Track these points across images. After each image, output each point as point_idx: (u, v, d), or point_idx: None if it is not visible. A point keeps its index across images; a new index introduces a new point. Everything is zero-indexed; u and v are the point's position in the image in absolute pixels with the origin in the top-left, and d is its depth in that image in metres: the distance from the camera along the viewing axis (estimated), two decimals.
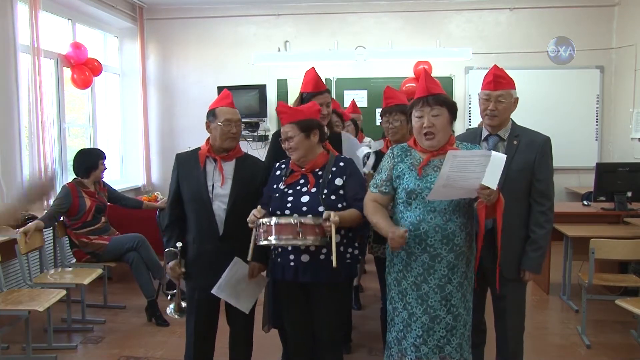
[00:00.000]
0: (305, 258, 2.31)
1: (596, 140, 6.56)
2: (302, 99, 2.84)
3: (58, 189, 4.38)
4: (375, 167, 2.80)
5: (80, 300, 4.03)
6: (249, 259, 2.31)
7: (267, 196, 2.46)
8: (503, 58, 6.28)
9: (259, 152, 6.51)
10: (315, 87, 2.82)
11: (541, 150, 2.47)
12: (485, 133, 2.57)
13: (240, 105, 6.34)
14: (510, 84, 2.49)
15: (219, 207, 2.49)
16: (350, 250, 2.40)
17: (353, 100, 4.95)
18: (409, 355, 2.20)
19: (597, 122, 6.54)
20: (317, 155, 2.41)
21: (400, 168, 2.23)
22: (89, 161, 4.20)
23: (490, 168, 1.96)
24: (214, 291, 2.47)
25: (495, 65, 2.53)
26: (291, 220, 2.15)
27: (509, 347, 2.59)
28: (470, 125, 6.54)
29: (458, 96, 6.61)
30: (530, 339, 3.43)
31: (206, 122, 2.57)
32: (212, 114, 2.54)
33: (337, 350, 2.50)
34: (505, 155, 2.05)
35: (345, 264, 2.37)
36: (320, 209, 2.26)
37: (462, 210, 2.16)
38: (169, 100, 6.93)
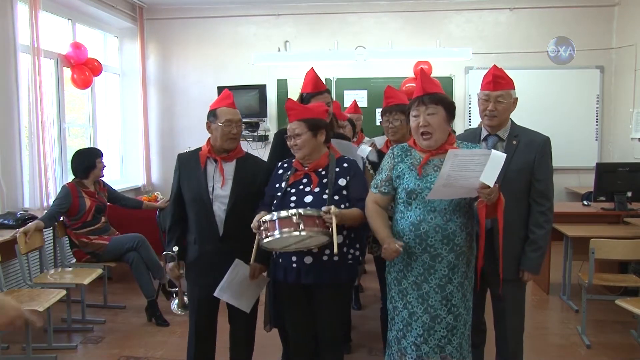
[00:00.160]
0: (308, 260, 2.30)
1: (596, 140, 6.56)
2: (302, 99, 2.85)
3: (58, 189, 4.38)
4: (375, 166, 2.80)
5: (80, 300, 4.03)
6: (251, 262, 2.31)
7: (269, 196, 2.45)
8: (503, 58, 6.28)
9: (259, 152, 6.50)
10: (314, 88, 2.83)
11: (541, 150, 2.47)
12: (484, 133, 2.57)
13: (240, 105, 6.33)
14: (509, 84, 2.49)
15: (219, 208, 2.48)
16: (352, 251, 2.40)
17: (354, 100, 4.95)
18: (410, 354, 2.20)
19: (597, 122, 6.54)
20: (321, 155, 2.41)
21: (400, 168, 2.23)
22: (87, 161, 4.19)
23: (489, 165, 1.96)
24: (216, 294, 2.48)
25: (494, 65, 2.53)
26: (289, 212, 2.13)
27: (508, 347, 2.59)
28: (470, 125, 6.54)
29: (458, 96, 6.61)
30: (530, 339, 3.43)
31: (207, 123, 2.56)
32: (212, 115, 2.53)
33: (337, 350, 2.50)
34: (505, 154, 2.04)
35: (347, 264, 2.37)
36: (324, 209, 2.26)
37: (462, 210, 2.16)
38: (169, 100, 6.93)
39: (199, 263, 2.54)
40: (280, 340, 2.99)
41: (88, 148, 4.43)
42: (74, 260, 4.21)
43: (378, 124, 6.40)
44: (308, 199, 2.32)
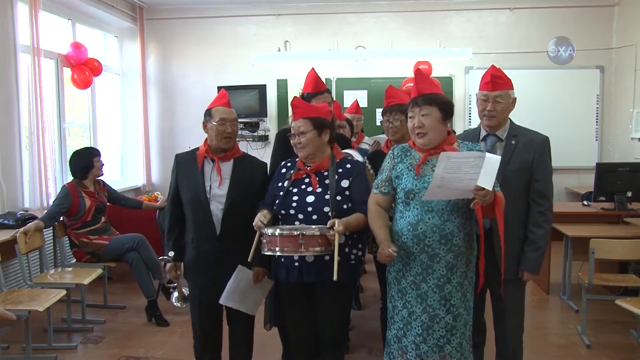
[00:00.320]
0: (309, 258, 2.30)
1: (596, 140, 6.56)
2: (303, 99, 2.85)
3: (58, 189, 4.38)
4: (374, 167, 2.80)
5: (80, 300, 4.03)
6: (249, 260, 2.31)
7: (271, 196, 2.45)
8: (503, 58, 6.28)
9: (259, 152, 6.52)
10: (315, 87, 2.84)
11: (539, 150, 2.47)
12: (483, 133, 2.57)
13: (240, 105, 6.45)
14: (508, 84, 2.49)
15: (217, 207, 2.48)
16: (354, 251, 2.39)
17: (356, 100, 4.94)
18: (410, 353, 2.21)
19: (597, 122, 6.54)
20: (324, 156, 2.40)
21: (399, 168, 2.24)
22: (84, 161, 4.19)
23: (485, 169, 1.96)
24: (221, 301, 2.49)
25: (492, 65, 2.53)
26: (293, 231, 2.14)
27: (508, 348, 2.60)
28: (470, 125, 6.54)
29: (458, 96, 6.61)
30: (530, 338, 3.43)
31: (203, 122, 2.57)
32: (208, 114, 2.54)
33: (338, 350, 2.51)
34: (500, 157, 2.04)
35: (349, 264, 2.37)
36: (326, 209, 2.27)
37: (460, 211, 2.16)
38: (169, 100, 6.93)
39: (196, 263, 2.55)
40: (280, 340, 2.99)
41: (85, 148, 4.42)
42: (74, 260, 4.21)
43: (378, 123, 6.41)
44: (310, 199, 2.32)
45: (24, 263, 3.75)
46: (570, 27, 6.45)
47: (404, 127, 2.84)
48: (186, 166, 2.57)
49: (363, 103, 6.44)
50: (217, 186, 2.50)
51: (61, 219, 4.12)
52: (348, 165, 2.41)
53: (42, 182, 4.63)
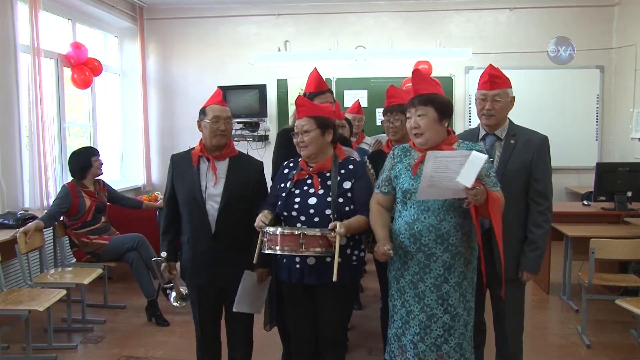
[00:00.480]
0: (311, 261, 2.30)
1: (596, 140, 6.56)
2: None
3: (58, 189, 4.38)
4: (375, 167, 2.81)
5: (81, 300, 4.03)
6: (254, 261, 2.31)
7: (274, 196, 2.45)
8: (503, 58, 6.29)
9: (259, 152, 6.52)
10: (317, 87, 2.86)
11: (539, 149, 2.47)
12: (482, 133, 2.58)
13: (240, 105, 6.45)
14: (506, 83, 2.49)
15: (212, 207, 2.48)
16: (356, 252, 2.40)
17: (357, 100, 4.93)
18: (408, 352, 2.21)
19: (597, 122, 6.54)
20: (327, 157, 2.40)
21: (398, 168, 2.25)
22: (82, 161, 4.19)
23: (467, 166, 1.96)
24: (235, 309, 2.50)
25: (490, 64, 2.54)
26: (295, 231, 2.14)
27: (508, 348, 2.60)
28: (470, 125, 6.54)
29: (458, 96, 6.61)
30: (530, 338, 3.43)
31: (197, 121, 2.57)
32: (202, 113, 2.55)
33: (339, 350, 2.50)
34: (486, 156, 2.03)
35: (351, 266, 2.37)
36: (327, 212, 2.27)
37: (457, 211, 2.15)
38: (169, 100, 6.93)
39: (193, 263, 2.55)
40: (281, 339, 2.99)
41: (83, 147, 4.42)
42: (74, 260, 4.21)
43: (378, 123, 6.41)
44: (312, 200, 2.32)
45: (24, 263, 3.75)
46: (571, 26, 6.45)
47: (404, 127, 2.84)
48: (182, 166, 2.57)
49: (363, 103, 6.43)
50: (213, 185, 2.50)
51: (61, 218, 4.12)
52: (351, 166, 2.40)
53: (42, 182, 4.63)
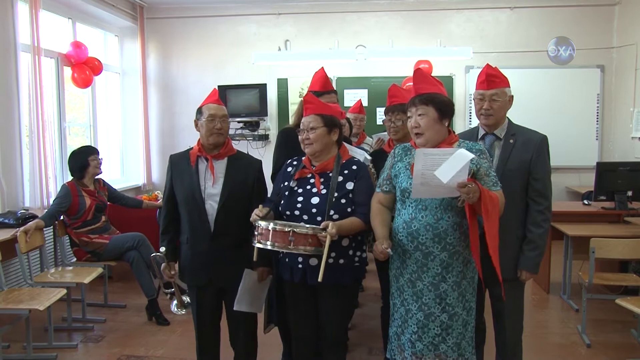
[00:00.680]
0: (313, 262, 2.30)
1: (596, 139, 6.56)
2: None
3: (58, 188, 4.38)
4: (376, 166, 2.81)
5: (81, 299, 4.03)
6: (254, 259, 2.31)
7: (275, 194, 2.46)
8: (503, 57, 6.29)
9: (259, 151, 6.52)
10: (322, 87, 2.86)
11: (538, 149, 2.47)
12: (481, 132, 2.58)
13: (240, 104, 6.45)
14: (503, 82, 2.49)
15: (211, 206, 2.48)
16: (358, 253, 2.40)
17: (359, 100, 4.92)
18: (406, 351, 2.22)
19: (597, 121, 6.54)
20: (330, 156, 2.39)
21: (398, 167, 2.26)
22: (79, 161, 4.19)
23: (449, 162, 1.95)
24: (235, 308, 2.50)
25: (487, 64, 2.54)
26: (285, 228, 2.14)
27: (508, 347, 2.59)
28: (470, 124, 6.54)
29: (458, 95, 6.61)
30: (530, 338, 3.44)
31: (194, 121, 2.58)
32: (199, 112, 2.55)
33: (340, 350, 2.50)
34: (472, 155, 2.01)
35: (353, 267, 2.37)
36: (330, 212, 2.27)
37: (455, 209, 2.15)
38: (170, 100, 6.93)
39: (192, 263, 2.55)
40: (281, 339, 3.00)
41: (81, 147, 4.41)
42: (75, 259, 4.22)
43: (379, 122, 6.41)
44: (315, 200, 2.32)
45: (25, 262, 3.76)
46: (571, 26, 6.45)
47: (406, 126, 2.84)
48: (180, 166, 2.57)
49: (363, 102, 6.43)
50: (211, 185, 2.50)
51: (61, 218, 4.12)
52: (354, 167, 2.40)
53: (43, 181, 4.63)
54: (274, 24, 6.72)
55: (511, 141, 2.49)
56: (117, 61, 6.68)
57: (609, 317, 3.95)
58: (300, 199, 2.34)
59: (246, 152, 2.75)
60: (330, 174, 2.36)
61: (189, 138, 6.29)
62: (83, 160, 4.18)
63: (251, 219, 2.27)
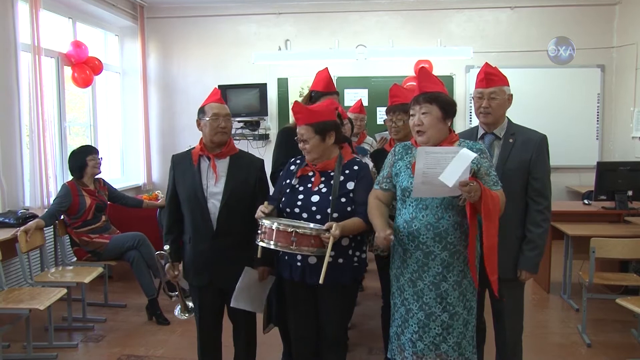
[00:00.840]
0: (312, 260, 2.30)
1: (597, 139, 6.55)
2: (311, 97, 2.87)
3: (58, 188, 4.38)
4: (377, 165, 2.81)
5: (81, 298, 4.03)
6: (258, 256, 2.31)
7: (278, 191, 2.46)
8: (503, 57, 6.29)
9: (260, 150, 6.51)
10: (325, 87, 2.86)
11: (537, 148, 2.46)
12: (481, 132, 2.57)
13: (240, 104, 6.45)
14: (502, 80, 2.49)
15: (214, 205, 2.49)
16: (357, 253, 2.40)
17: (360, 100, 4.91)
18: (407, 351, 2.21)
19: (597, 121, 6.53)
20: (332, 156, 2.40)
21: (398, 166, 2.26)
22: (78, 160, 4.19)
23: (453, 163, 1.95)
24: (232, 304, 2.50)
25: (486, 62, 2.54)
26: (288, 228, 2.14)
27: (508, 347, 2.59)
28: (470, 124, 6.54)
29: (458, 95, 6.60)
30: (530, 338, 3.44)
31: (197, 120, 2.58)
32: (201, 111, 2.55)
33: (340, 350, 2.50)
34: (475, 154, 2.01)
35: (352, 267, 2.38)
36: (329, 210, 2.27)
37: (456, 209, 2.14)
38: (170, 99, 6.93)
39: (195, 261, 2.55)
40: (281, 339, 2.99)
41: (81, 147, 4.41)
42: (75, 258, 4.22)
43: (379, 122, 6.41)
44: (315, 198, 2.32)
45: (25, 262, 3.76)
46: (572, 25, 6.44)
47: (407, 126, 2.84)
48: (182, 165, 2.58)
49: (364, 102, 6.43)
50: (214, 184, 2.50)
51: (62, 217, 4.12)
52: (355, 167, 2.40)
53: (43, 181, 4.63)
54: (274, 23, 6.72)
55: (511, 141, 2.49)
56: (118, 61, 6.68)
57: (609, 317, 3.95)
58: (300, 196, 2.35)
59: (246, 151, 2.75)
60: (332, 173, 2.37)
61: (189, 138, 6.29)
62: (81, 160, 4.19)
63: (256, 215, 2.28)
